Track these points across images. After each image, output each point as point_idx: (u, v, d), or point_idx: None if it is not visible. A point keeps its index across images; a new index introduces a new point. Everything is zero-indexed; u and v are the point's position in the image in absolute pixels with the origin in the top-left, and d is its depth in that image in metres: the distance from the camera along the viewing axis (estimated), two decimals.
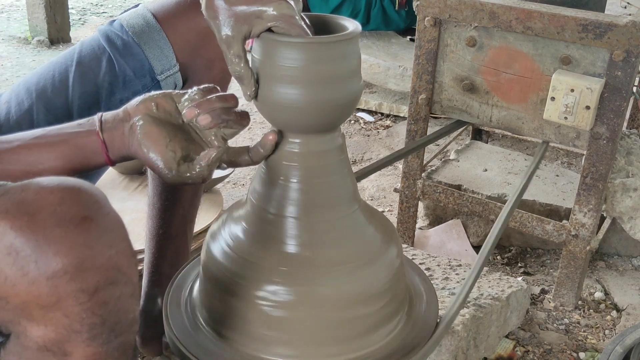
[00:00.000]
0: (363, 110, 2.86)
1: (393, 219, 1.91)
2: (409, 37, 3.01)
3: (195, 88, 0.86)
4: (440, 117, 2.55)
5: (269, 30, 0.83)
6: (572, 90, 1.39)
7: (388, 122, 2.79)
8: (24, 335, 0.67)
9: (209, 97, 0.85)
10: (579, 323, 1.60)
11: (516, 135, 2.24)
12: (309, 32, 0.84)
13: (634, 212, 1.59)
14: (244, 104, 1.84)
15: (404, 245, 1.54)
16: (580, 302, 1.66)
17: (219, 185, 2.06)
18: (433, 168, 1.94)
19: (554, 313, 1.62)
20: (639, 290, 1.72)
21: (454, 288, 1.35)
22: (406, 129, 1.67)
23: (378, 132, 2.71)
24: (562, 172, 1.99)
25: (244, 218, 0.94)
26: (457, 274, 1.42)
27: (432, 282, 1.10)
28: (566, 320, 1.60)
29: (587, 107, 1.39)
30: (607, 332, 1.58)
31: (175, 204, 1.28)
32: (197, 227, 1.45)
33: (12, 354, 0.69)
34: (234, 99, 0.86)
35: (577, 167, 2.16)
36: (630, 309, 1.64)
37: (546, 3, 1.47)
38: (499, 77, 1.52)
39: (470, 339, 1.30)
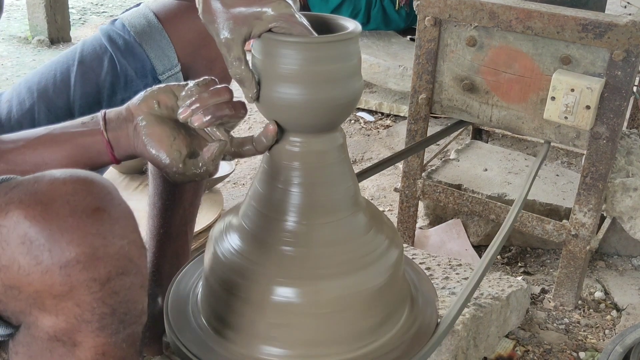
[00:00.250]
0: (363, 110, 2.86)
1: (393, 218, 1.91)
2: (409, 36, 3.02)
3: (193, 82, 0.85)
4: (441, 117, 2.56)
5: (269, 30, 0.83)
6: (572, 90, 1.39)
7: (388, 122, 2.79)
8: (35, 325, 0.68)
9: (202, 94, 0.84)
10: (578, 323, 1.60)
11: (516, 135, 2.25)
12: (310, 29, 0.83)
13: (634, 212, 1.60)
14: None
15: (404, 245, 1.54)
16: (580, 302, 1.67)
17: (219, 185, 2.06)
18: (433, 168, 1.94)
19: (554, 313, 1.62)
20: (639, 290, 1.72)
21: (454, 288, 1.35)
22: (406, 129, 1.67)
23: (378, 131, 2.71)
24: (562, 171, 1.99)
25: (246, 219, 0.95)
26: (457, 274, 1.42)
27: (432, 281, 1.11)
28: (566, 320, 1.60)
29: (587, 107, 1.39)
30: (607, 331, 1.58)
31: (176, 203, 1.28)
32: (198, 226, 1.46)
33: (21, 345, 0.70)
34: (228, 91, 0.85)
35: (577, 166, 2.17)
36: (630, 308, 1.64)
37: (546, 3, 1.47)
38: (499, 77, 1.52)
39: (470, 339, 1.30)
